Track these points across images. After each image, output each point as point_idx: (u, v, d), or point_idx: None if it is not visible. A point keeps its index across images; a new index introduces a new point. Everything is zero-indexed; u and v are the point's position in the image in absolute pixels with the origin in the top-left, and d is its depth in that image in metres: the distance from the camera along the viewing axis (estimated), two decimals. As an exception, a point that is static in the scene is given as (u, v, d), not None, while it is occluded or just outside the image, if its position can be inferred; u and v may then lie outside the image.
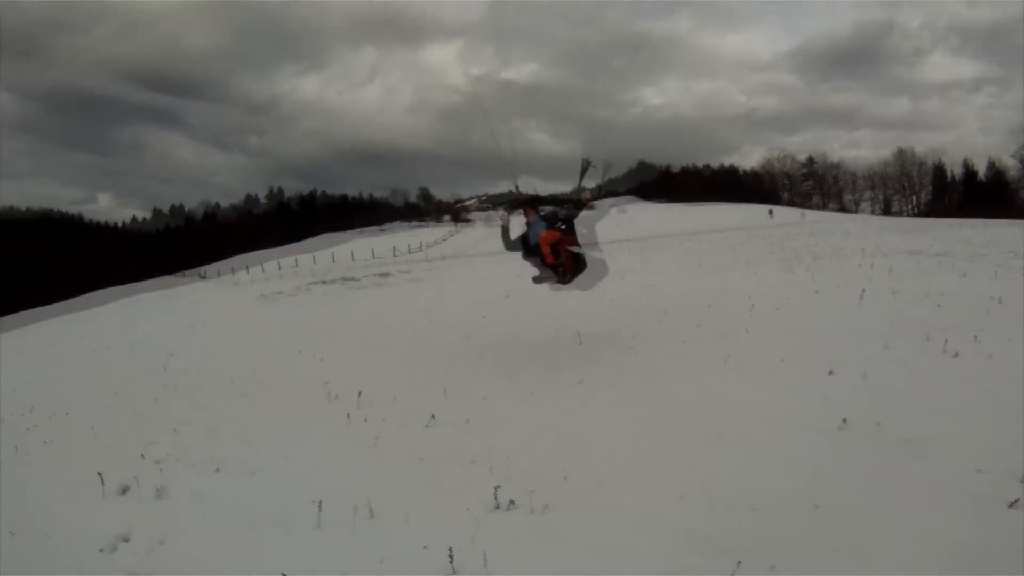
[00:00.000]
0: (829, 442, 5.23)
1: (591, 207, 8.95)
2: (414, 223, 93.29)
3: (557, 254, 8.15)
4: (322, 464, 6.04)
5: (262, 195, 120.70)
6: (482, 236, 60.38)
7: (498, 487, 4.78)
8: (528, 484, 4.88)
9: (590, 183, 8.56)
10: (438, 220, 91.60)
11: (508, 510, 4.62)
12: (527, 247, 8.44)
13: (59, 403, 10.64)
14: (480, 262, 34.02)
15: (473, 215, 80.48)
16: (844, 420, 5.51)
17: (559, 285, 8.48)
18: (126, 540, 4.77)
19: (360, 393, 8.14)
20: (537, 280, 8.62)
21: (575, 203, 8.57)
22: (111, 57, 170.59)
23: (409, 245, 61.49)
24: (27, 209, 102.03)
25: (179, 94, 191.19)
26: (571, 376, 8.19)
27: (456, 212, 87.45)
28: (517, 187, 8.83)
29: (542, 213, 8.51)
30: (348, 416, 7.49)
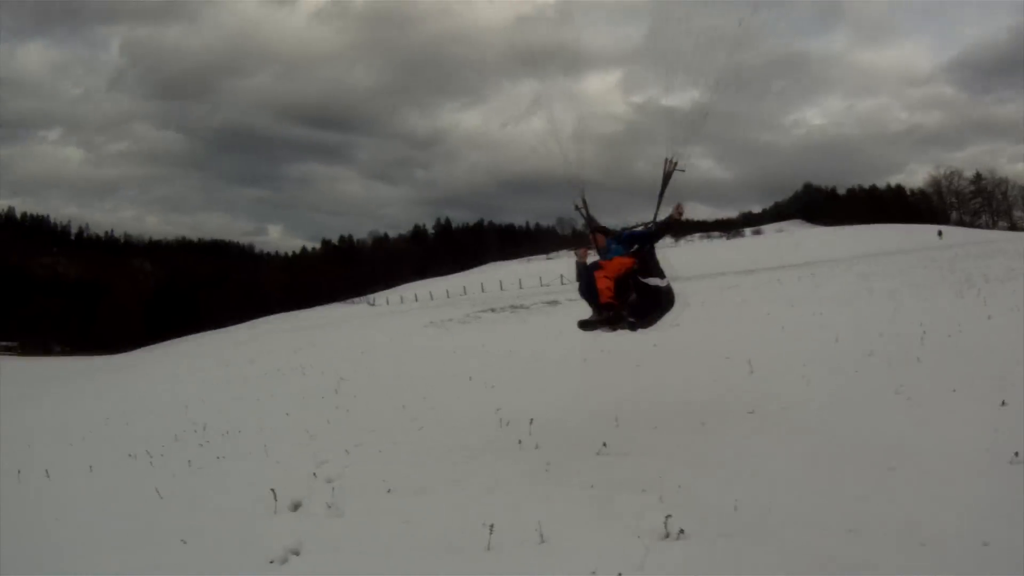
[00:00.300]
0: (1000, 476, 5.10)
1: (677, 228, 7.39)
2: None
3: (625, 290, 6.69)
4: (493, 489, 6.13)
5: (430, 226, 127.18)
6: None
7: (669, 516, 4.71)
8: (698, 513, 4.93)
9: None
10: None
11: (678, 539, 4.59)
12: (583, 282, 6.90)
13: (231, 422, 11.61)
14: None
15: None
16: (1016, 453, 5.26)
17: (633, 328, 6.86)
18: (296, 554, 5.02)
19: (532, 420, 8.16)
20: (585, 326, 6.91)
21: (663, 220, 7.09)
22: (276, 98, 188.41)
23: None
24: (199, 240, 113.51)
25: (345, 131, 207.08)
26: (742, 406, 8.23)
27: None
28: (585, 203, 7.53)
29: (616, 233, 7.29)
30: (519, 442, 7.53)
